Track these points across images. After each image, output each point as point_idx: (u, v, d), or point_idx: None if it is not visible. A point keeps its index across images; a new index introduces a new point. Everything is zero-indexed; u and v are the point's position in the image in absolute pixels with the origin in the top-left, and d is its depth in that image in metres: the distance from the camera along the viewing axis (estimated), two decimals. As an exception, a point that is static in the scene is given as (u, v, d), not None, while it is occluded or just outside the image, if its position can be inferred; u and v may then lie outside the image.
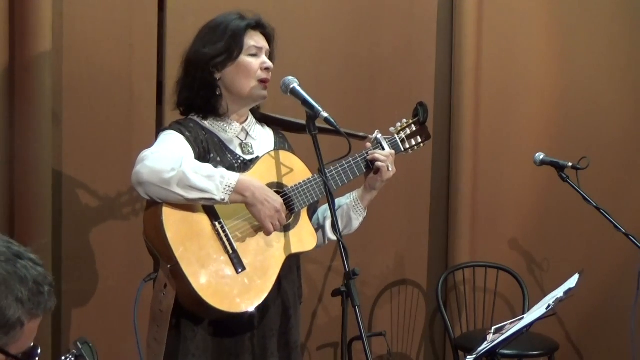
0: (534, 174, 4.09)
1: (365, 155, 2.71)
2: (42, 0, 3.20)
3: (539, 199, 4.37)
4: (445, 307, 4.13)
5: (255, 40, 2.62)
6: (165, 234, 2.39)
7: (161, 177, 2.36)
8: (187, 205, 2.43)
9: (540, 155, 3.66)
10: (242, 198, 2.43)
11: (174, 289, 2.42)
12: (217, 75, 2.60)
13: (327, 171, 2.61)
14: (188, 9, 3.52)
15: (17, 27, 3.20)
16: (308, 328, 3.95)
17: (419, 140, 2.86)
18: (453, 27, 4.18)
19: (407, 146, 2.83)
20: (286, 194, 2.57)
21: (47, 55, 3.22)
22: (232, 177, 2.41)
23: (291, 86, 2.55)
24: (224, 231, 2.48)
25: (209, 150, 2.55)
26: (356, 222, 2.77)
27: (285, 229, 2.57)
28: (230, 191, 2.40)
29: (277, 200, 2.47)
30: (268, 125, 2.79)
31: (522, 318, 2.63)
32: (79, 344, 1.69)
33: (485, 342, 2.56)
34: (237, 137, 2.64)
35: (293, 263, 2.67)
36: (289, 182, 2.60)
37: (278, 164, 2.61)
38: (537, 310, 2.56)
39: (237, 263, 2.47)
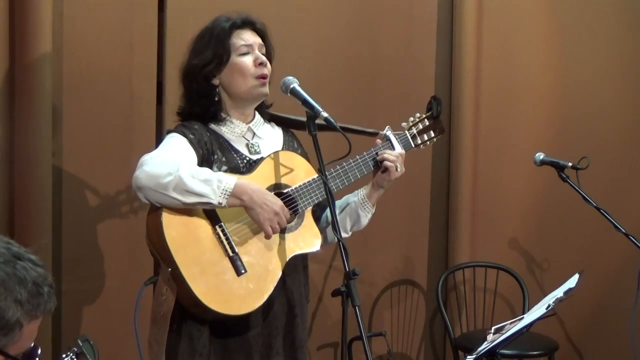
0: (534, 174, 4.09)
1: (375, 154, 2.71)
2: (42, 1, 3.20)
3: (539, 199, 4.37)
4: (445, 307, 4.13)
5: (244, 38, 2.62)
6: (165, 237, 2.40)
7: (158, 181, 2.37)
8: (187, 209, 2.43)
9: (540, 155, 3.66)
10: (240, 202, 2.43)
11: (174, 292, 2.43)
12: (215, 81, 2.62)
13: (334, 169, 2.63)
14: (188, 9, 3.52)
15: (17, 28, 3.20)
16: (308, 328, 3.95)
17: (432, 135, 2.86)
18: (453, 27, 4.18)
19: (419, 142, 2.83)
20: (289, 195, 2.57)
21: (47, 55, 3.21)
22: (230, 181, 2.41)
23: (291, 86, 2.55)
24: (225, 234, 2.48)
25: (213, 151, 2.55)
26: (364, 219, 2.78)
27: (289, 229, 2.56)
28: (228, 195, 2.40)
29: (277, 203, 2.46)
30: (277, 125, 2.78)
31: (522, 318, 2.63)
32: (79, 341, 1.70)
33: (485, 342, 2.56)
34: (243, 137, 2.64)
35: (299, 262, 2.67)
36: (293, 182, 2.60)
37: (282, 165, 2.61)
38: (537, 310, 2.56)
39: (238, 266, 2.47)
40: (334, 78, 3.94)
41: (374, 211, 2.78)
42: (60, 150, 3.35)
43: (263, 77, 2.61)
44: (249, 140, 2.65)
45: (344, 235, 2.77)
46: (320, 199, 2.61)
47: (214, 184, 2.39)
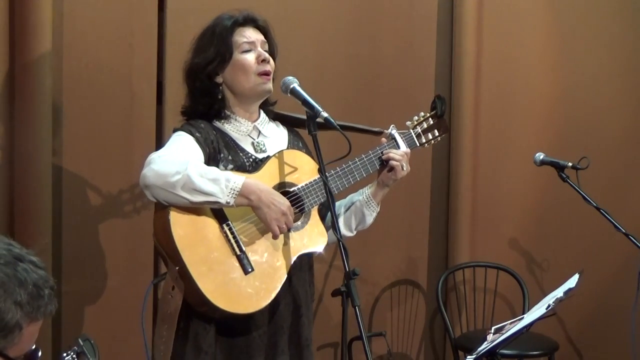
0: (534, 174, 4.09)
1: (380, 153, 2.71)
2: (42, 0, 3.20)
3: (539, 199, 4.37)
4: (445, 307, 4.13)
5: (245, 35, 2.62)
6: (172, 236, 2.41)
7: (166, 180, 2.38)
8: (194, 208, 2.44)
9: (540, 155, 3.66)
10: (247, 201, 2.43)
11: (181, 291, 2.43)
12: (219, 80, 2.62)
13: (340, 168, 2.64)
14: (188, 9, 3.52)
15: (17, 27, 3.20)
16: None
17: (437, 134, 2.86)
18: (453, 27, 4.18)
19: (424, 140, 2.83)
20: (296, 194, 2.57)
21: (47, 55, 3.21)
22: (238, 180, 2.41)
23: (291, 86, 2.55)
24: (232, 233, 2.48)
25: (220, 150, 2.56)
26: (370, 217, 2.78)
27: (295, 228, 2.57)
28: (236, 194, 2.41)
29: (284, 203, 2.47)
30: (282, 124, 2.79)
31: (522, 318, 2.63)
32: (80, 340, 1.69)
33: (485, 342, 2.56)
34: (249, 135, 2.65)
35: (304, 262, 2.67)
36: (299, 181, 2.60)
37: (289, 164, 2.61)
38: (537, 310, 2.56)
39: (246, 264, 2.47)
40: (334, 78, 3.94)
41: (379, 210, 2.78)
42: (60, 150, 3.35)
43: (266, 73, 2.61)
44: (254, 139, 2.65)
45: (348, 234, 2.79)
46: (325, 198, 2.62)
47: (222, 183, 2.40)
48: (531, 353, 3.91)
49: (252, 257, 2.49)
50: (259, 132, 2.67)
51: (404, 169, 2.70)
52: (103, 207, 3.44)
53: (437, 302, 4.06)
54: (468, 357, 2.51)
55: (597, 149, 4.14)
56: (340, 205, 2.80)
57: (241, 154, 2.59)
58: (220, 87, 2.63)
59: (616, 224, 3.39)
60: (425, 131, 2.83)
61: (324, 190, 2.56)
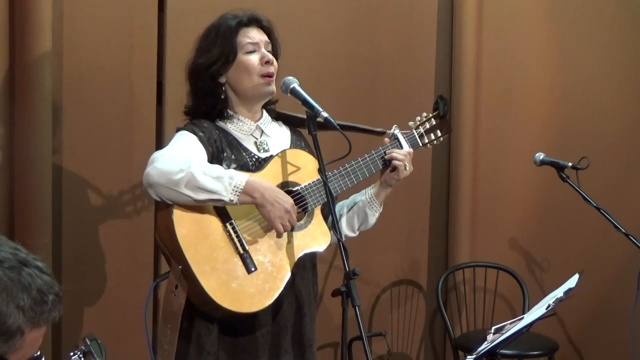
0: (534, 174, 4.09)
1: (383, 153, 2.71)
2: (42, 0, 3.20)
3: (539, 199, 4.37)
4: (445, 307, 4.13)
5: (250, 36, 2.62)
6: (175, 235, 2.41)
7: (170, 178, 2.38)
8: (198, 206, 2.44)
9: (540, 155, 3.66)
10: (251, 199, 2.43)
11: (184, 290, 2.44)
12: (222, 80, 2.62)
13: (343, 168, 2.64)
14: (188, 9, 3.52)
15: (17, 27, 3.20)
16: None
17: (439, 134, 2.86)
18: (453, 27, 4.18)
19: (426, 141, 2.84)
20: (299, 193, 2.58)
21: (47, 55, 3.21)
22: (241, 178, 2.42)
23: (291, 86, 2.55)
24: (235, 232, 2.49)
25: (223, 149, 2.56)
26: (372, 218, 2.79)
27: (299, 227, 2.57)
28: (239, 192, 2.41)
29: (287, 201, 2.47)
30: (285, 124, 2.79)
31: (522, 318, 2.63)
32: (87, 340, 1.69)
33: (485, 342, 2.56)
34: (252, 135, 2.65)
35: (308, 261, 2.67)
36: (303, 180, 2.61)
37: (292, 163, 2.62)
38: (537, 310, 2.57)
39: (249, 263, 2.47)
40: (334, 78, 3.94)
41: (381, 210, 2.79)
42: (60, 149, 3.35)
43: (269, 75, 2.62)
44: (257, 138, 2.66)
45: (351, 234, 2.80)
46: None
47: (226, 181, 2.40)
48: (531, 353, 3.91)
49: (255, 256, 2.49)
50: (262, 131, 2.67)
51: (407, 168, 2.70)
52: (103, 207, 3.44)
53: (437, 302, 4.06)
54: (468, 357, 2.51)
55: (597, 149, 4.14)
56: (342, 205, 2.80)
57: (244, 154, 2.59)
58: (224, 87, 2.63)
59: (616, 224, 3.39)
60: (427, 131, 2.84)
61: (330, 191, 2.56)
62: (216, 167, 2.45)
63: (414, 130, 2.82)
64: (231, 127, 2.63)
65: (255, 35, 2.63)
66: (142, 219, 3.47)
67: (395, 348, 4.24)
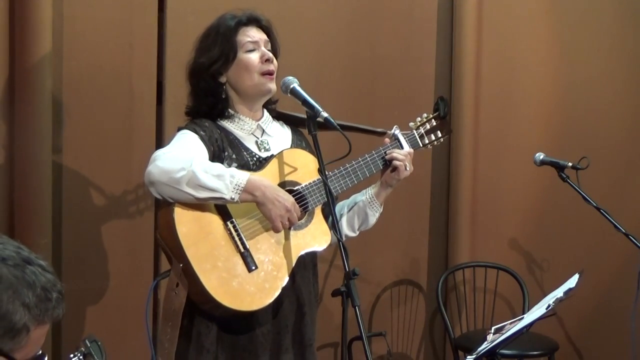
0: (534, 174, 4.09)
1: (383, 153, 2.72)
2: (42, 1, 3.20)
3: (539, 199, 4.37)
4: (445, 307, 4.13)
5: (249, 35, 2.63)
6: (177, 233, 2.42)
7: (171, 176, 2.39)
8: (199, 205, 2.45)
9: (540, 156, 3.66)
10: (252, 197, 2.44)
11: (185, 288, 2.45)
12: (222, 79, 2.63)
13: (343, 168, 2.65)
14: (188, 9, 3.52)
15: (17, 27, 3.20)
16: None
17: (439, 135, 2.87)
18: (453, 27, 4.18)
19: (427, 141, 2.84)
20: (300, 193, 2.58)
21: (47, 55, 3.22)
22: (242, 177, 2.43)
23: (291, 86, 2.56)
24: (236, 230, 2.49)
25: (224, 148, 2.57)
26: (373, 218, 2.79)
27: (299, 227, 2.57)
28: (240, 190, 2.41)
29: (288, 200, 2.47)
30: (286, 123, 2.79)
31: (522, 318, 2.63)
32: (87, 342, 1.69)
33: (485, 342, 2.56)
34: (252, 134, 2.66)
35: (308, 261, 2.68)
36: (303, 180, 2.61)
37: (292, 162, 2.62)
38: (537, 310, 2.56)
39: (249, 262, 2.48)
40: (334, 78, 3.94)
41: (381, 210, 2.79)
42: (60, 149, 3.35)
43: (269, 73, 2.63)
44: (258, 138, 2.66)
45: (351, 234, 2.80)
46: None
47: (227, 179, 2.41)
48: (531, 353, 3.91)
49: (256, 255, 2.50)
50: (263, 131, 2.68)
51: (407, 168, 2.70)
52: (103, 207, 3.44)
53: (437, 302, 4.06)
54: (468, 357, 2.51)
55: (597, 149, 4.14)
56: (343, 205, 2.81)
57: (245, 153, 2.60)
58: (224, 87, 2.64)
59: (616, 224, 3.39)
60: (428, 132, 2.84)
61: (330, 191, 2.57)
62: (217, 166, 2.45)
63: (415, 131, 2.82)
64: (232, 126, 2.64)
65: (254, 34, 2.64)
66: (142, 219, 3.47)
67: (395, 348, 4.24)
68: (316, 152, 2.47)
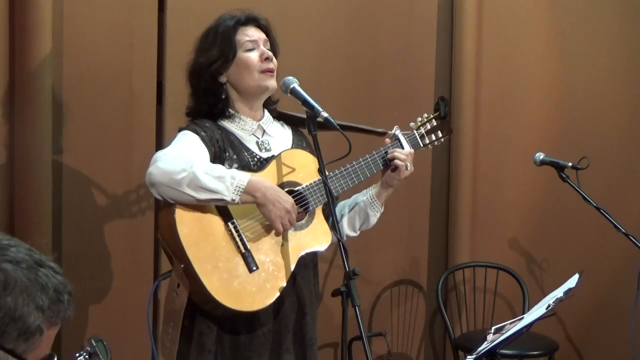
0: (534, 174, 4.09)
1: (384, 153, 2.72)
2: (42, 0, 3.20)
3: (539, 199, 4.37)
4: (445, 307, 4.13)
5: (248, 34, 2.64)
6: (178, 234, 2.42)
7: (172, 178, 2.39)
8: (200, 206, 2.45)
9: (540, 155, 3.66)
10: (252, 198, 2.44)
11: (186, 288, 2.45)
12: (223, 79, 2.63)
13: (344, 168, 2.65)
14: (188, 9, 3.52)
15: (17, 27, 3.20)
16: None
17: (440, 135, 2.87)
18: (453, 27, 4.18)
19: (427, 141, 2.85)
20: (300, 193, 2.59)
21: (47, 55, 3.22)
22: (243, 178, 2.43)
23: (291, 86, 2.56)
24: (237, 231, 2.50)
25: (225, 148, 2.57)
26: (374, 218, 2.80)
27: (300, 227, 2.58)
28: (241, 192, 2.42)
29: (288, 201, 2.48)
30: (287, 124, 2.80)
31: (522, 318, 2.63)
32: (93, 341, 1.70)
33: (485, 342, 2.56)
34: (253, 134, 2.66)
35: (309, 261, 2.68)
36: (304, 180, 2.62)
37: (293, 163, 2.63)
38: (537, 310, 2.56)
39: (250, 262, 2.48)
40: (334, 78, 3.94)
41: (382, 210, 2.80)
42: (60, 150, 3.35)
43: (269, 70, 2.63)
44: (259, 138, 2.67)
45: (352, 234, 2.81)
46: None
47: (228, 181, 2.41)
48: (531, 353, 3.91)
49: (257, 255, 2.50)
50: (264, 131, 2.68)
51: (408, 168, 2.71)
52: (103, 207, 3.44)
53: (437, 302, 4.06)
54: (468, 357, 2.51)
55: (597, 149, 4.14)
56: (344, 205, 2.81)
57: (246, 153, 2.60)
58: (224, 87, 2.64)
59: (616, 224, 3.39)
60: (428, 132, 2.85)
61: (330, 191, 2.57)
62: (218, 167, 2.46)
63: (415, 131, 2.83)
64: (233, 126, 2.64)
65: (253, 33, 2.65)
66: (143, 219, 3.47)
67: (395, 348, 4.24)
68: (316, 152, 2.47)
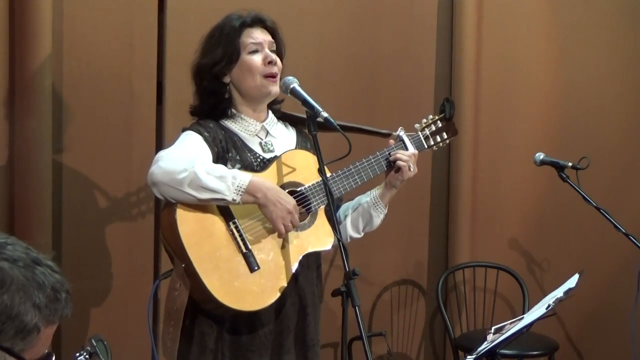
0: (534, 174, 4.09)
1: (387, 154, 2.72)
2: (42, 0, 3.20)
3: (539, 199, 4.37)
4: (445, 307, 4.13)
5: (253, 36, 2.63)
6: (179, 233, 2.43)
7: (173, 177, 2.40)
8: (201, 205, 2.46)
9: (540, 155, 3.66)
10: (253, 199, 2.44)
11: (187, 288, 2.45)
12: (226, 79, 2.63)
13: (347, 169, 2.65)
14: (188, 9, 3.52)
15: (17, 27, 3.20)
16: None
17: (445, 136, 2.87)
18: (453, 27, 4.18)
19: (432, 143, 2.84)
20: (302, 194, 2.59)
21: (47, 55, 3.22)
22: (244, 178, 2.43)
23: (291, 86, 2.56)
24: (238, 231, 2.50)
25: (228, 149, 2.57)
26: (377, 219, 2.79)
27: (302, 227, 2.58)
28: (242, 192, 2.42)
29: (290, 202, 2.48)
30: (291, 124, 2.79)
31: (522, 318, 2.63)
32: (93, 341, 1.71)
33: (485, 342, 2.56)
34: (257, 135, 2.66)
35: (312, 262, 2.68)
36: (307, 181, 2.62)
37: (295, 164, 2.63)
38: (537, 310, 2.56)
39: (252, 262, 2.49)
40: (334, 78, 3.94)
41: (386, 211, 2.79)
42: (60, 150, 3.35)
43: (272, 75, 2.62)
44: (262, 139, 2.67)
45: (356, 235, 2.80)
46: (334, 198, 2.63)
47: (229, 181, 2.41)
48: (531, 353, 3.91)
49: (259, 255, 2.50)
50: (267, 132, 2.68)
51: (411, 169, 2.70)
52: (103, 207, 3.44)
53: (437, 302, 4.06)
54: (468, 357, 2.50)
55: (597, 149, 4.14)
56: (347, 206, 2.81)
57: (249, 154, 2.60)
58: (228, 87, 2.64)
59: (616, 224, 3.39)
60: (433, 134, 2.84)
61: (330, 191, 2.57)
62: (219, 167, 2.46)
63: (420, 133, 2.82)
64: (236, 127, 2.64)
65: (258, 35, 2.64)
66: (142, 219, 3.47)
67: (395, 348, 4.24)
68: (316, 152, 2.47)
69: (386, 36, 4.07)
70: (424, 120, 2.85)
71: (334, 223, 2.41)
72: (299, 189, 2.60)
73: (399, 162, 2.69)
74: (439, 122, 2.85)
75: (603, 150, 4.28)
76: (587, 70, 4.37)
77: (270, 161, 2.61)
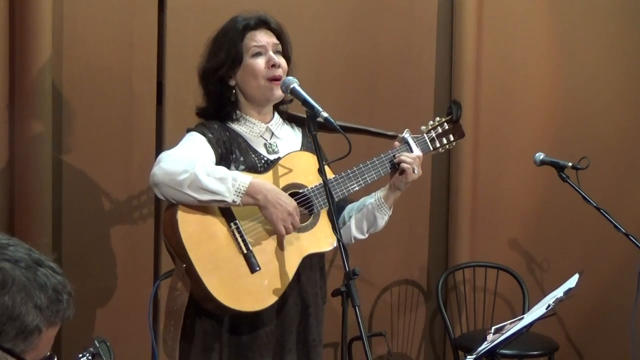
0: (534, 174, 4.09)
1: (392, 156, 2.72)
2: (42, 0, 3.20)
3: (539, 199, 4.37)
4: (445, 307, 4.13)
5: (256, 39, 2.63)
6: (180, 234, 2.43)
7: (174, 178, 2.40)
8: (203, 206, 2.46)
9: (540, 155, 3.66)
10: (254, 201, 2.45)
11: (187, 288, 2.46)
12: (232, 82, 2.64)
13: (351, 171, 2.65)
14: (188, 9, 3.52)
15: (17, 27, 3.20)
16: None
17: (452, 138, 2.87)
18: (453, 27, 4.18)
19: (438, 145, 2.84)
20: (305, 195, 2.59)
21: (47, 55, 3.21)
22: (245, 180, 2.43)
23: (291, 86, 2.55)
24: (240, 232, 2.50)
25: (232, 150, 2.58)
26: (381, 221, 2.78)
27: (304, 229, 2.58)
28: (242, 194, 2.42)
29: (290, 204, 2.48)
30: (297, 125, 2.79)
31: (522, 318, 2.63)
32: (96, 342, 1.71)
33: (485, 342, 2.56)
34: (261, 136, 2.66)
35: (315, 262, 2.68)
36: (310, 182, 2.62)
37: (299, 165, 2.63)
38: (537, 310, 2.56)
39: (253, 263, 2.49)
40: (334, 78, 3.94)
41: (390, 213, 2.79)
42: (60, 150, 3.35)
43: (275, 78, 2.61)
44: (267, 140, 2.67)
45: (360, 236, 2.80)
46: (336, 200, 2.62)
47: (229, 183, 2.42)
48: (531, 353, 3.91)
49: (260, 256, 2.50)
50: (272, 133, 2.68)
51: (415, 172, 2.70)
52: (103, 207, 3.44)
53: (437, 302, 4.06)
54: (468, 357, 2.51)
55: (597, 149, 4.14)
56: (352, 207, 2.81)
57: (253, 155, 2.61)
58: (234, 90, 2.64)
59: (616, 224, 3.39)
60: (439, 136, 2.84)
61: (333, 192, 2.57)
62: (220, 169, 2.46)
63: (425, 135, 2.82)
64: (241, 129, 2.64)
65: (262, 38, 2.63)
66: (143, 219, 3.47)
67: (395, 348, 4.24)
68: (316, 152, 2.47)
69: (386, 36, 4.07)
70: (431, 122, 2.85)
71: (334, 222, 2.41)
72: (301, 191, 2.60)
73: (403, 165, 2.69)
74: (445, 124, 2.85)
75: (603, 151, 4.28)
76: (587, 70, 4.37)
77: (273, 162, 2.61)
